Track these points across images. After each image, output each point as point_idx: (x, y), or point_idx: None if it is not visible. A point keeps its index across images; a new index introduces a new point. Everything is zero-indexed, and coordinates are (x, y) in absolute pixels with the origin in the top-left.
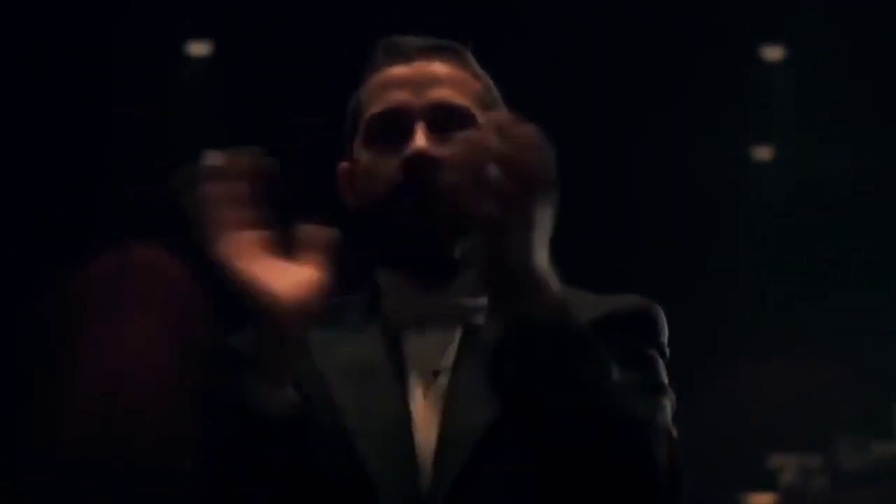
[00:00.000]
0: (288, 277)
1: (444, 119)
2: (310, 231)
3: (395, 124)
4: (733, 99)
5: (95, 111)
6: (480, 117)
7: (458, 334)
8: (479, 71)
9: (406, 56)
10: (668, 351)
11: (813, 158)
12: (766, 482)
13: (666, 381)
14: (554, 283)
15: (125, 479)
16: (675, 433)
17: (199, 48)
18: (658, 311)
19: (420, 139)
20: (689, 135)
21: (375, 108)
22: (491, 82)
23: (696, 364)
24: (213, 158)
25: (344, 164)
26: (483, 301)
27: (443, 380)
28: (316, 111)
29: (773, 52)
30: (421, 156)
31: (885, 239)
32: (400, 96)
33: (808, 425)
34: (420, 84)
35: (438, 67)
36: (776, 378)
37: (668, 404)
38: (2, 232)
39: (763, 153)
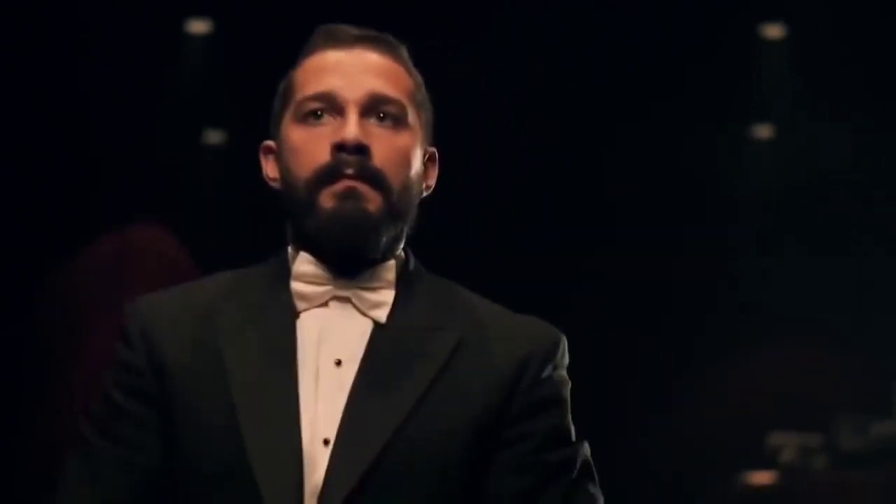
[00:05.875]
0: None
1: (377, 109)
2: None
3: (329, 108)
4: (733, 77)
5: (93, 90)
6: (411, 112)
7: (363, 326)
8: (412, 68)
9: (344, 42)
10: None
11: (814, 136)
12: (765, 461)
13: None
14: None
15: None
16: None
17: (198, 26)
18: (563, 342)
19: (352, 125)
20: (689, 113)
21: (309, 90)
22: (422, 81)
23: (696, 343)
24: None
25: (268, 143)
26: (389, 296)
27: (346, 370)
28: None
29: (773, 31)
30: (353, 142)
31: (885, 218)
32: (335, 81)
33: (808, 404)
34: (356, 72)
35: (375, 58)
36: (777, 357)
37: (584, 445)
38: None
39: (763, 131)
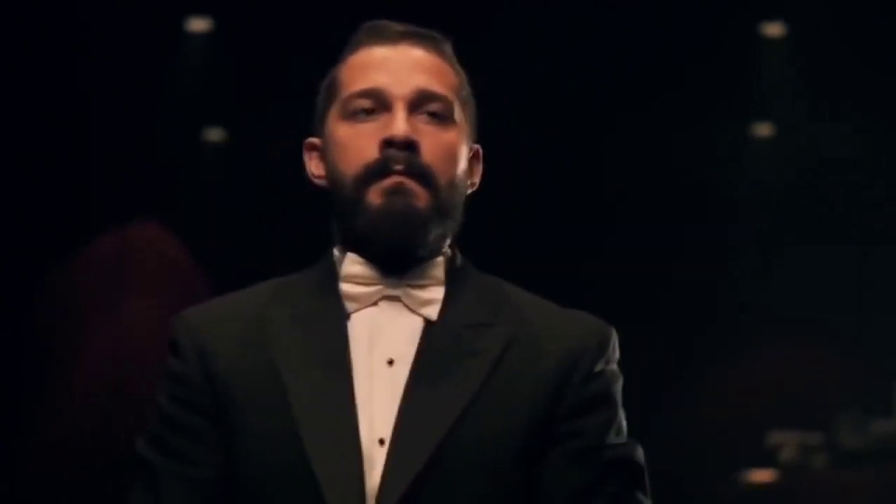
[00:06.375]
0: None
1: (425, 105)
2: None
3: (376, 104)
4: (733, 76)
5: (93, 90)
6: (457, 109)
7: (414, 324)
8: (457, 64)
9: (389, 39)
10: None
11: (814, 135)
12: (765, 459)
13: (622, 414)
14: None
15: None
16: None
17: (198, 24)
18: (614, 335)
19: (401, 121)
20: (689, 112)
21: (356, 87)
22: (466, 77)
23: (696, 343)
24: None
25: (312, 140)
26: (438, 293)
27: (399, 369)
28: (318, 89)
29: (773, 29)
30: (402, 138)
31: (886, 218)
32: (382, 78)
33: (808, 403)
34: (403, 68)
35: (421, 54)
36: (776, 356)
37: (637, 447)
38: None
39: (763, 130)
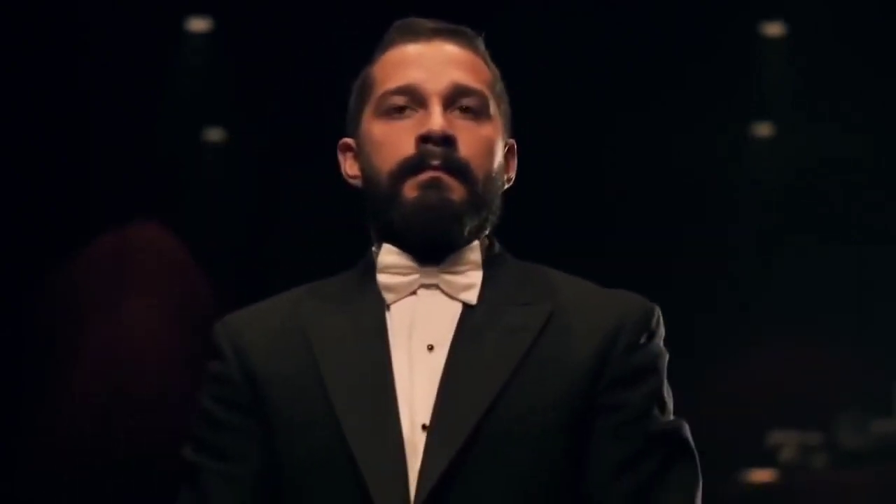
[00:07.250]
0: None
1: (460, 100)
2: None
3: (411, 100)
4: (733, 75)
5: (93, 90)
6: (492, 104)
7: (453, 309)
8: (490, 61)
9: (422, 36)
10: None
11: (814, 135)
12: (765, 459)
13: (668, 391)
14: None
15: (131, 473)
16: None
17: (198, 24)
18: (657, 312)
19: (437, 117)
20: (689, 112)
21: (391, 84)
22: (498, 73)
23: (696, 343)
24: None
25: (346, 140)
26: (476, 277)
27: (438, 354)
28: (318, 88)
29: (773, 29)
30: (439, 133)
31: (885, 217)
32: (417, 74)
33: (808, 403)
34: (437, 64)
35: (455, 50)
36: (776, 356)
37: (684, 423)
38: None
39: (763, 130)
